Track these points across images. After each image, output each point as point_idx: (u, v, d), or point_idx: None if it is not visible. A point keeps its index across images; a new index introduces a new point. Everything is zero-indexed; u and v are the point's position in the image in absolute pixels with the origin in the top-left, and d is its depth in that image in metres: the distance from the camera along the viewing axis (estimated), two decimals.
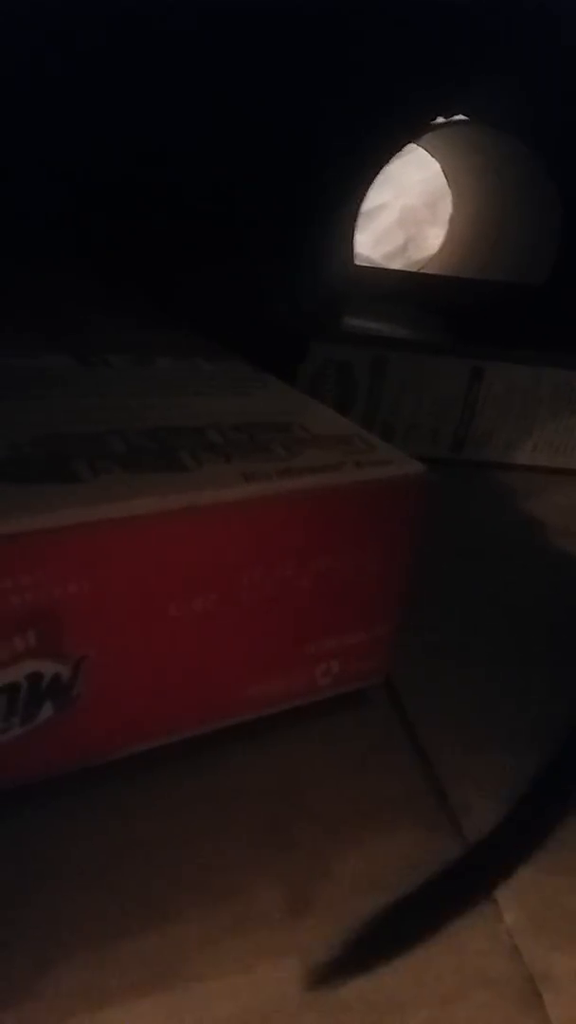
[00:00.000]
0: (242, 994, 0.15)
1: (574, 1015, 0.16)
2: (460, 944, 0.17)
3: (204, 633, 0.18)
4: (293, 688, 0.20)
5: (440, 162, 0.56)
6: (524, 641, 0.26)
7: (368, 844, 0.18)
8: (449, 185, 0.57)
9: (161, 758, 0.19)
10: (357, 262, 0.50)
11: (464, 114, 0.46)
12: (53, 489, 0.15)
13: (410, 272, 0.56)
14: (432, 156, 0.56)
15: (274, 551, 0.18)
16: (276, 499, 0.17)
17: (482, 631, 0.26)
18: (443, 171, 0.57)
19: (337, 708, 0.21)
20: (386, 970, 0.16)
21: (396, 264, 0.63)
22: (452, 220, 0.58)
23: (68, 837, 0.17)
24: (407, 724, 0.22)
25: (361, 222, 0.62)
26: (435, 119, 0.45)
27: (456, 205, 0.57)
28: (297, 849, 0.18)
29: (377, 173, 0.44)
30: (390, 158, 0.44)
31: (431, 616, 0.26)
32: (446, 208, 0.59)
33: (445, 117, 0.46)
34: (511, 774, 0.20)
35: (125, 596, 0.16)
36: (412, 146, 0.54)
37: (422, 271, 0.56)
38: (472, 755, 0.21)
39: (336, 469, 0.18)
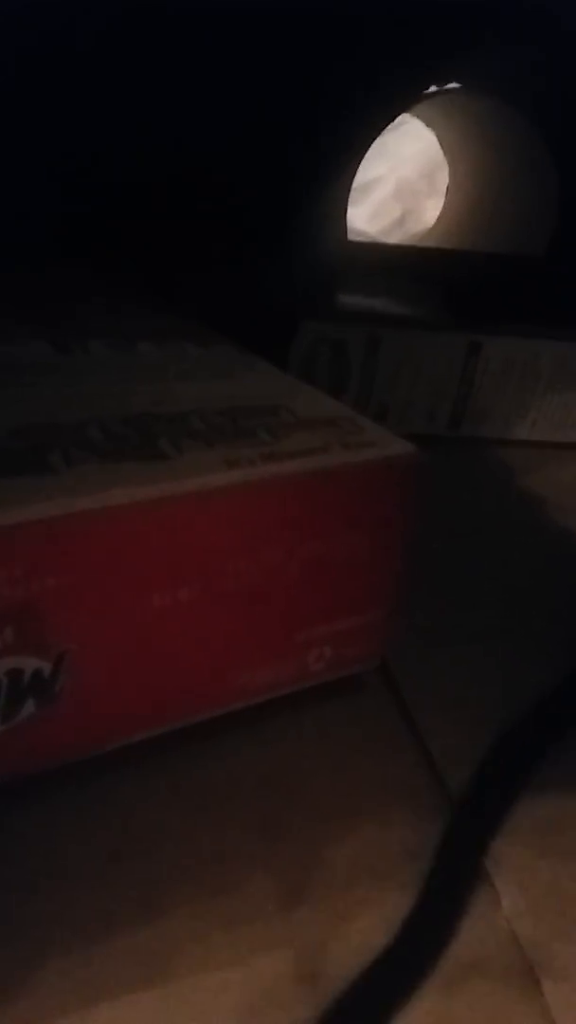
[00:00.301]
0: (235, 987, 0.15)
1: (573, 1001, 0.15)
2: (458, 931, 0.16)
3: (191, 623, 0.17)
4: (285, 675, 0.20)
5: (435, 132, 0.55)
6: (522, 620, 0.26)
7: (363, 831, 0.18)
8: (445, 156, 0.56)
9: (154, 750, 0.19)
10: (353, 237, 0.49)
11: (457, 83, 0.45)
12: (28, 482, 0.15)
13: (404, 246, 0.55)
14: (427, 126, 0.55)
15: (260, 538, 0.17)
16: (260, 485, 0.17)
17: (479, 610, 0.26)
18: (439, 142, 0.56)
19: (332, 693, 0.21)
20: None
21: (394, 237, 0.62)
22: (449, 192, 0.56)
23: (61, 833, 0.17)
24: (403, 708, 0.21)
25: (357, 196, 0.61)
26: (427, 88, 0.44)
27: (452, 176, 0.56)
28: (291, 839, 0.18)
29: (369, 145, 0.43)
30: (382, 129, 0.43)
31: (428, 596, 0.25)
32: (443, 179, 0.58)
33: (438, 86, 0.45)
34: None
35: (107, 588, 0.16)
36: (407, 117, 0.53)
37: (417, 245, 0.55)
38: (469, 738, 0.21)
39: (322, 452, 0.18)
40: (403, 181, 0.64)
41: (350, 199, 0.45)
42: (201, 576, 0.17)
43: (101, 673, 0.17)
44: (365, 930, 0.16)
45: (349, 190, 0.43)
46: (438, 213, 0.57)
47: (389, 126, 0.45)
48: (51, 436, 0.17)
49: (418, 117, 0.53)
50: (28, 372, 0.20)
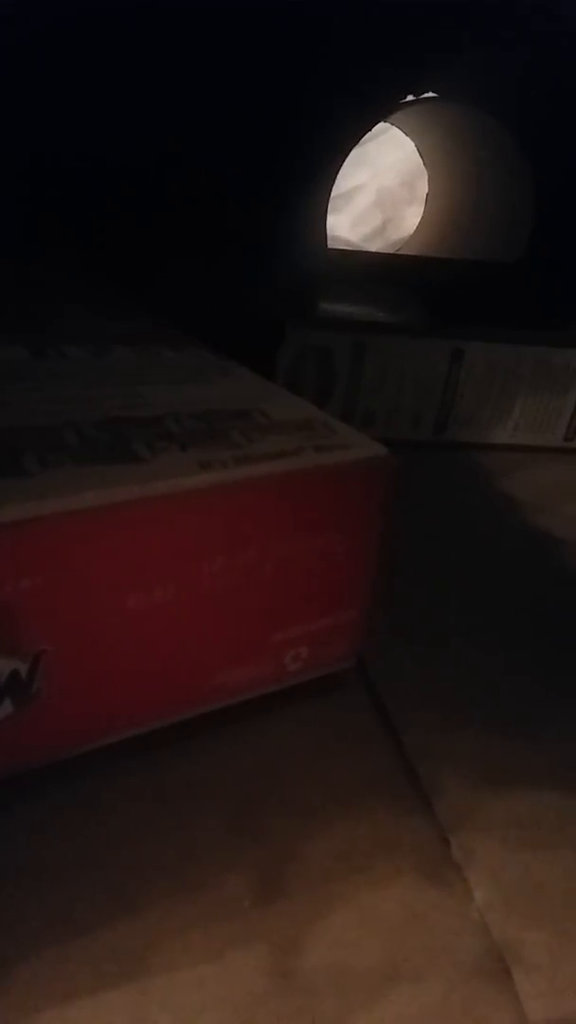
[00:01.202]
0: (210, 982, 0.15)
1: (543, 991, 0.16)
2: (430, 923, 0.17)
3: (166, 624, 0.18)
4: (262, 675, 0.20)
5: (414, 141, 0.56)
6: (498, 618, 0.26)
7: (338, 826, 0.18)
8: (424, 164, 0.57)
9: (132, 749, 0.19)
10: (335, 245, 0.50)
11: (434, 92, 0.45)
12: (2, 484, 0.15)
13: (384, 254, 0.56)
14: (406, 135, 0.56)
15: (234, 539, 0.18)
16: (233, 487, 0.17)
17: (456, 609, 0.26)
18: (418, 150, 0.56)
19: (308, 691, 0.21)
20: (356, 953, 0.16)
21: (375, 245, 0.62)
22: (428, 199, 0.57)
23: (39, 831, 0.17)
24: (378, 705, 0.22)
25: (338, 204, 0.62)
26: (404, 97, 0.45)
27: (432, 184, 0.57)
28: (268, 835, 0.18)
29: (347, 153, 0.43)
30: (360, 138, 0.44)
31: (408, 597, 0.26)
32: (423, 187, 0.58)
33: (415, 95, 0.45)
34: (483, 754, 0.21)
35: (82, 589, 0.16)
36: (387, 126, 0.54)
37: (396, 252, 0.55)
38: (444, 735, 0.21)
39: (294, 455, 0.18)
40: (384, 189, 0.64)
41: (332, 207, 0.45)
42: (176, 577, 0.17)
43: (78, 674, 0.17)
44: (340, 924, 0.16)
45: (328, 198, 0.44)
46: (418, 220, 0.58)
47: (369, 135, 0.45)
48: (25, 439, 0.17)
49: (397, 126, 0.54)
50: (3, 376, 0.20)
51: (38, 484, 0.16)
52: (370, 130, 0.44)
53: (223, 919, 0.16)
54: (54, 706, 0.17)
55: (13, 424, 0.17)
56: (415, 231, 0.58)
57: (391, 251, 0.58)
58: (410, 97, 0.44)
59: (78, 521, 0.16)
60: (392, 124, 0.53)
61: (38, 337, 0.22)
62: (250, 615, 0.19)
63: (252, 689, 0.20)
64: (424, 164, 0.56)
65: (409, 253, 0.55)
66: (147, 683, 0.18)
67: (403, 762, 0.20)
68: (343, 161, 0.42)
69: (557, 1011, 0.15)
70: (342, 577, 0.20)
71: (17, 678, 0.16)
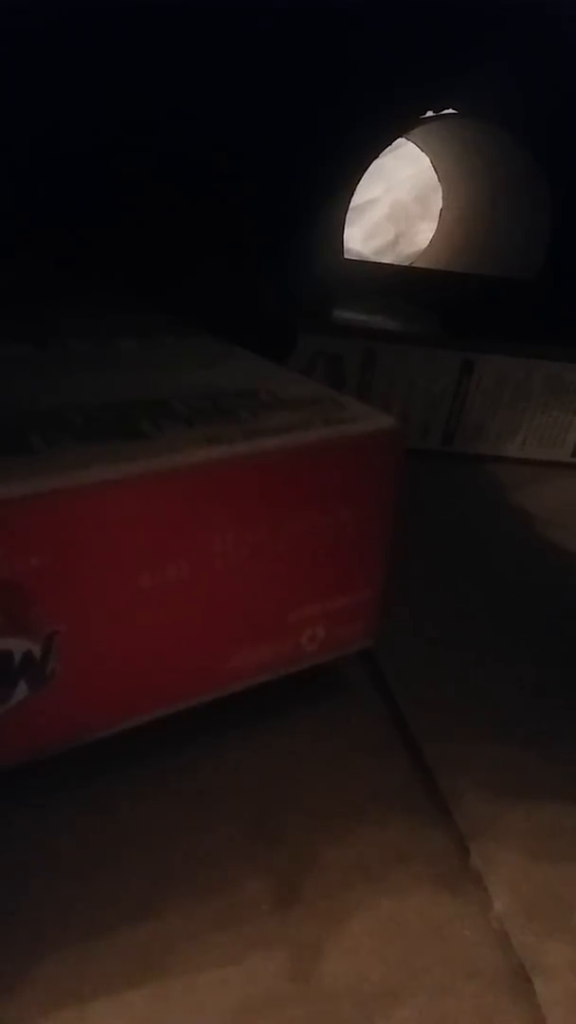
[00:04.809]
0: (230, 986, 0.15)
1: (564, 1002, 0.15)
2: (449, 933, 0.16)
3: (180, 602, 0.17)
4: (280, 656, 0.19)
5: (430, 156, 0.56)
6: (511, 627, 0.26)
7: (357, 834, 0.18)
8: (439, 179, 0.57)
9: (149, 751, 0.18)
10: (347, 256, 0.50)
11: (453, 108, 0.45)
12: (8, 461, 0.15)
13: (400, 266, 0.56)
14: (422, 150, 0.56)
15: (245, 515, 0.17)
16: (241, 461, 0.17)
17: (470, 617, 0.26)
18: (433, 165, 0.57)
19: (325, 697, 0.21)
20: (374, 960, 0.16)
21: (387, 258, 0.63)
22: (442, 214, 0.57)
23: (57, 832, 0.17)
24: (395, 712, 0.21)
25: (351, 217, 0.62)
26: (424, 113, 0.45)
27: (446, 199, 0.57)
28: (285, 840, 0.18)
29: (367, 167, 0.43)
30: (380, 152, 0.44)
31: (421, 604, 0.26)
32: (437, 203, 0.59)
33: (434, 111, 0.46)
34: (502, 763, 0.20)
35: (92, 567, 0.15)
36: (403, 141, 0.54)
37: (412, 265, 0.56)
38: (461, 742, 0.21)
39: (303, 428, 0.18)
40: (397, 204, 0.65)
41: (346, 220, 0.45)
42: (188, 554, 0.17)
43: (92, 654, 0.16)
44: (359, 932, 0.16)
45: (347, 210, 0.44)
46: (431, 236, 0.58)
47: (385, 149, 0.46)
48: (31, 421, 0.16)
49: (412, 141, 0.54)
50: (7, 364, 0.19)
51: (44, 460, 0.15)
52: (389, 145, 0.44)
53: (242, 923, 0.16)
54: (70, 689, 0.16)
55: (18, 406, 0.17)
56: (428, 246, 0.58)
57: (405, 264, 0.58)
58: (430, 113, 0.45)
59: (86, 497, 0.15)
60: (408, 139, 0.53)
61: (40, 331, 0.22)
62: (265, 593, 0.18)
63: (270, 671, 0.19)
64: (439, 179, 0.57)
65: (423, 266, 0.55)
66: (164, 664, 0.18)
67: (422, 771, 0.20)
68: (362, 175, 0.43)
69: None
70: (357, 554, 0.19)
71: (31, 659, 0.15)
